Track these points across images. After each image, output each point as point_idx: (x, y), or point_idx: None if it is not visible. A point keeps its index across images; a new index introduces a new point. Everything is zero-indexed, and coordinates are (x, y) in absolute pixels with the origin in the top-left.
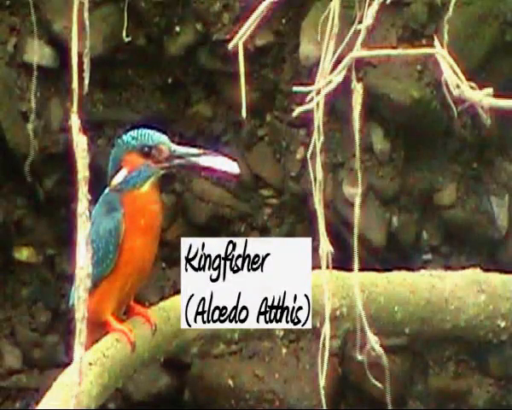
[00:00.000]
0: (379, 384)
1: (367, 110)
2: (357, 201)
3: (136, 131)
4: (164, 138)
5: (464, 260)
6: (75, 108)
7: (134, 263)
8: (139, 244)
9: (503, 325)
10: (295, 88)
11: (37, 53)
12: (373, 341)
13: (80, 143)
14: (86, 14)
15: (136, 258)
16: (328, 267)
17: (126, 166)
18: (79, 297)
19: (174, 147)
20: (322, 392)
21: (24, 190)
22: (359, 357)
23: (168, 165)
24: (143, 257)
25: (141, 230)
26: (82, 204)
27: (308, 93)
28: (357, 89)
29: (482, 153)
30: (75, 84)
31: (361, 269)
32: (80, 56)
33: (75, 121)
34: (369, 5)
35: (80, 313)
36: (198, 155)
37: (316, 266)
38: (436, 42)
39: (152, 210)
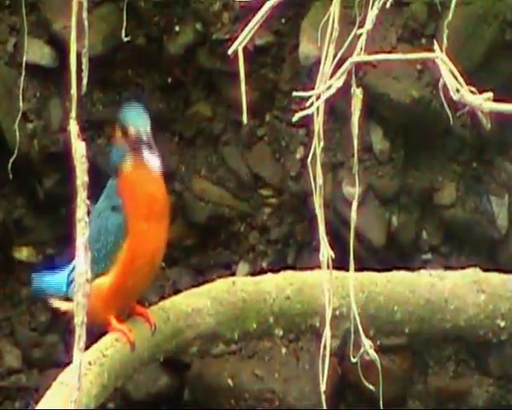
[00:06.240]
0: (372, 387)
1: (366, 110)
2: (355, 205)
3: (125, 105)
4: (136, 121)
5: (464, 259)
6: (74, 113)
7: (142, 252)
8: (145, 230)
9: (502, 324)
10: (295, 93)
11: (37, 53)
12: (367, 345)
13: (79, 148)
14: (85, 14)
15: (143, 245)
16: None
17: (114, 141)
18: (78, 303)
19: (142, 131)
20: (323, 397)
21: (24, 190)
22: (353, 360)
23: (137, 147)
24: (151, 244)
25: (144, 215)
26: (81, 210)
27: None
28: (357, 94)
29: (482, 152)
30: (74, 90)
31: (360, 269)
32: (79, 56)
33: (74, 127)
34: (370, 8)
35: (79, 318)
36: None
37: (316, 265)
38: (436, 46)
39: (150, 193)
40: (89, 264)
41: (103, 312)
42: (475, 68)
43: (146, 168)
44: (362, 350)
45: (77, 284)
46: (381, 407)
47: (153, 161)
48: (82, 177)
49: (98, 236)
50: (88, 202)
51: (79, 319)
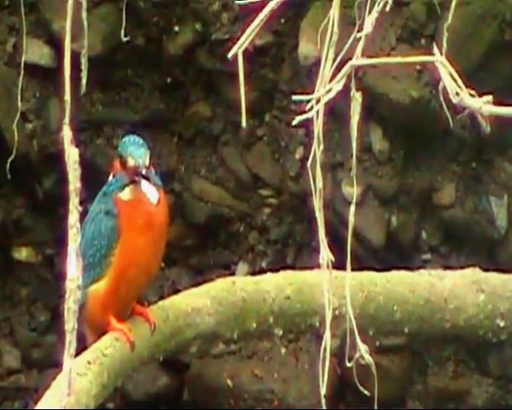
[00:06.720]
0: (366, 392)
1: (366, 110)
2: (352, 208)
3: (125, 136)
4: (135, 153)
5: (463, 259)
6: (67, 119)
7: (135, 263)
8: (139, 245)
9: (502, 324)
10: (294, 97)
11: (37, 53)
12: (363, 349)
13: (72, 154)
14: (84, 14)
15: (137, 258)
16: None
17: (112, 170)
18: (69, 309)
19: (141, 163)
20: (323, 401)
21: (23, 190)
22: (348, 364)
23: (135, 179)
24: (145, 257)
25: (138, 230)
26: (73, 216)
27: (308, 93)
28: (356, 97)
29: (481, 153)
30: (67, 96)
31: (360, 268)
32: (78, 56)
33: (67, 132)
34: (370, 10)
35: (70, 324)
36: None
37: (315, 266)
38: (435, 49)
39: (148, 210)
40: (80, 270)
41: (102, 315)
42: (474, 69)
43: (143, 198)
44: (357, 355)
45: (68, 290)
46: (376, 408)
47: (150, 193)
48: (74, 183)
49: (92, 240)
50: (80, 208)
51: (70, 326)
